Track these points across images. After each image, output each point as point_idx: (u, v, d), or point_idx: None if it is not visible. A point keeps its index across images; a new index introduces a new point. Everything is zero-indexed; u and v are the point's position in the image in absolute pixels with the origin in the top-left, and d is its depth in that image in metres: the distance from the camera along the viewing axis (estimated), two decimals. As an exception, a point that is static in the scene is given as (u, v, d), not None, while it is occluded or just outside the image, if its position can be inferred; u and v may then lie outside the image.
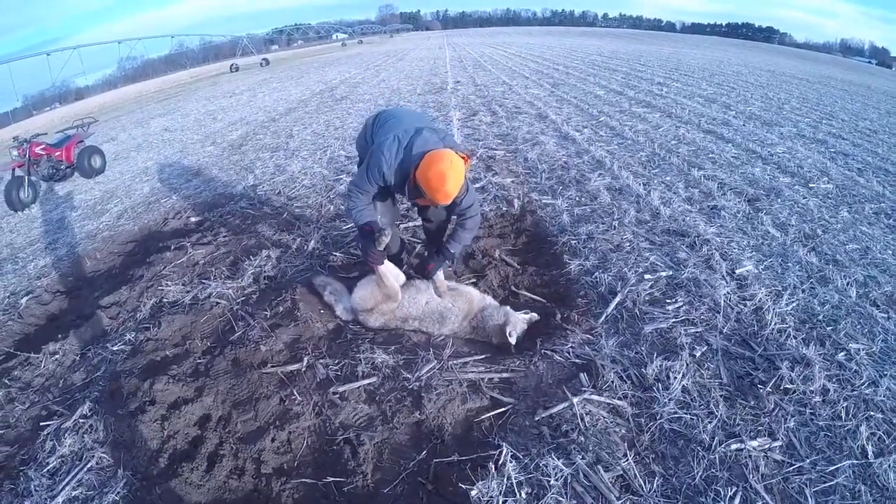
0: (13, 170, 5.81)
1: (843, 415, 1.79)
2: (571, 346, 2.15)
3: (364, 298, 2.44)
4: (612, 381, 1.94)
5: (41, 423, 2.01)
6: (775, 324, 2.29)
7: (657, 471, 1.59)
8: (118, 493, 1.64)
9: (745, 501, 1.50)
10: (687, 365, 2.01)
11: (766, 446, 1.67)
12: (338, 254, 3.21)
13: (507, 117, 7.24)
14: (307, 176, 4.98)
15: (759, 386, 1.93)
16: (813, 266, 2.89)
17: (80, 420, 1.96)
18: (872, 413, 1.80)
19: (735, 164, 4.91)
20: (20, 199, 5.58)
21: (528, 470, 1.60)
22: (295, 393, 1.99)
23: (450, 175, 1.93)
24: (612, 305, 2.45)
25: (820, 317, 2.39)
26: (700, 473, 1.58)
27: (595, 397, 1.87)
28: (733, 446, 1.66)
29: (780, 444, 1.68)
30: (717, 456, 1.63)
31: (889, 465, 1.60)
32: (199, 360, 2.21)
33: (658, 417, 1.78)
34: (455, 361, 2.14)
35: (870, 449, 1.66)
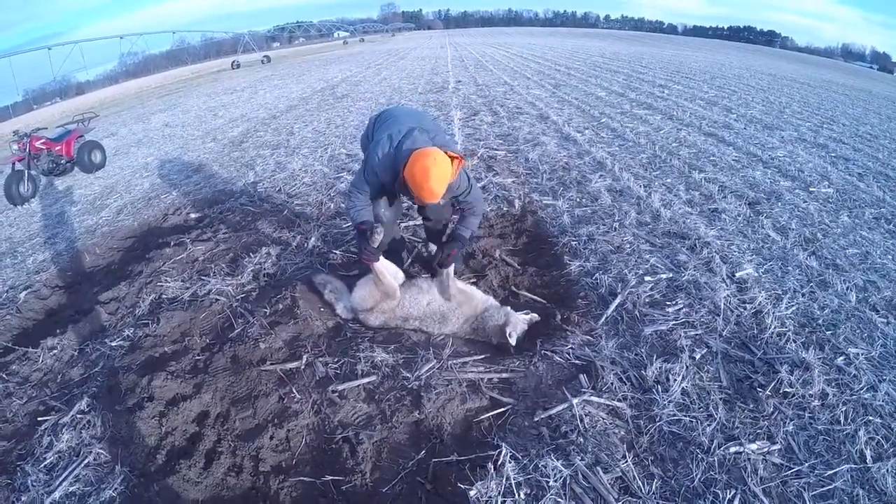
0: (13, 164, 5.79)
1: (841, 419, 1.80)
2: (571, 347, 2.15)
3: (363, 298, 2.44)
4: (612, 383, 1.94)
5: (39, 419, 2.00)
6: (775, 327, 2.30)
7: (656, 473, 1.59)
8: (115, 489, 1.64)
9: (744, 504, 1.50)
10: (686, 367, 2.01)
11: (765, 450, 1.67)
12: (338, 252, 3.21)
13: (508, 117, 7.24)
14: (308, 173, 4.97)
15: (758, 389, 1.93)
16: (813, 270, 2.89)
17: (78, 416, 1.95)
18: (871, 417, 1.81)
19: (736, 168, 4.92)
20: (20, 193, 5.56)
21: (527, 470, 1.60)
22: (294, 391, 1.98)
23: (433, 172, 1.91)
24: (613, 307, 2.45)
25: (819, 321, 2.39)
26: (699, 476, 1.58)
27: (594, 399, 1.87)
28: (732, 449, 1.66)
29: (779, 447, 1.68)
30: (715, 458, 1.63)
31: (887, 470, 1.60)
32: (197, 357, 2.20)
33: (657, 419, 1.78)
34: (455, 361, 2.13)
35: (868, 453, 1.66)
